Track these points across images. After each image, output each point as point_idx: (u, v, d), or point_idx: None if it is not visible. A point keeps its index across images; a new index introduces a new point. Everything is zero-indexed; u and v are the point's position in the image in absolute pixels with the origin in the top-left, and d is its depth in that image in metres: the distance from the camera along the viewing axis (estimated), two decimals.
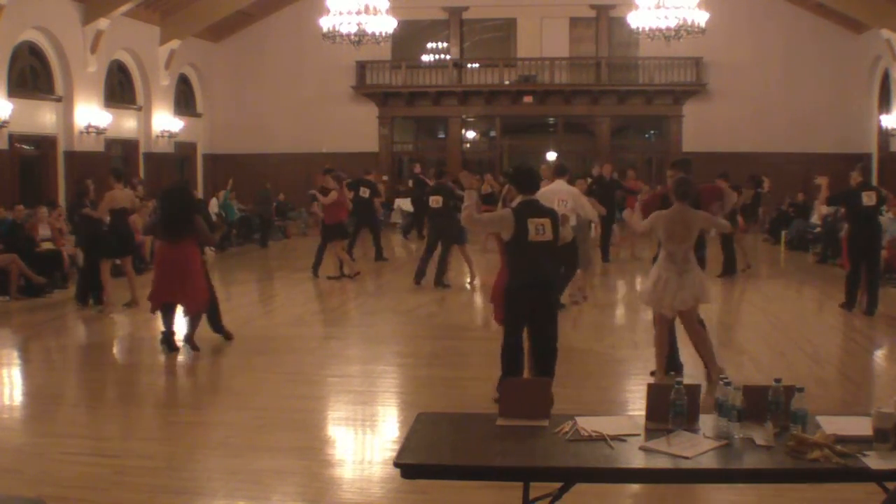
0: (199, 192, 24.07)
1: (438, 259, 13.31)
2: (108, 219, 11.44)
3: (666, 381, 7.10)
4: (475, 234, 14.17)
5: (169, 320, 8.99)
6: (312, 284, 13.77)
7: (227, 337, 9.36)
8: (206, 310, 9.14)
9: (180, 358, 9.00)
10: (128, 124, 21.69)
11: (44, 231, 13.97)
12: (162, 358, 8.71)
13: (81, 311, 11.52)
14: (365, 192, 16.77)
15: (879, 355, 9.20)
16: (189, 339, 8.91)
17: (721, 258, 14.19)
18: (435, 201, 13.52)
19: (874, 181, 22.22)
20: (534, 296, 6.49)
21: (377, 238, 16.95)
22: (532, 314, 6.56)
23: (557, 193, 11.00)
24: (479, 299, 12.34)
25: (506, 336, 6.63)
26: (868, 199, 10.88)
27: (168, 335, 8.94)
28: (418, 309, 11.53)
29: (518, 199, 6.53)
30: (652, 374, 7.62)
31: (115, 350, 9.71)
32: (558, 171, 11.38)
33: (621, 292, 13.30)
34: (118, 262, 11.77)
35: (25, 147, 18.14)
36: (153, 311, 9.13)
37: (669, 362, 7.56)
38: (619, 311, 11.55)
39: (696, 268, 7.17)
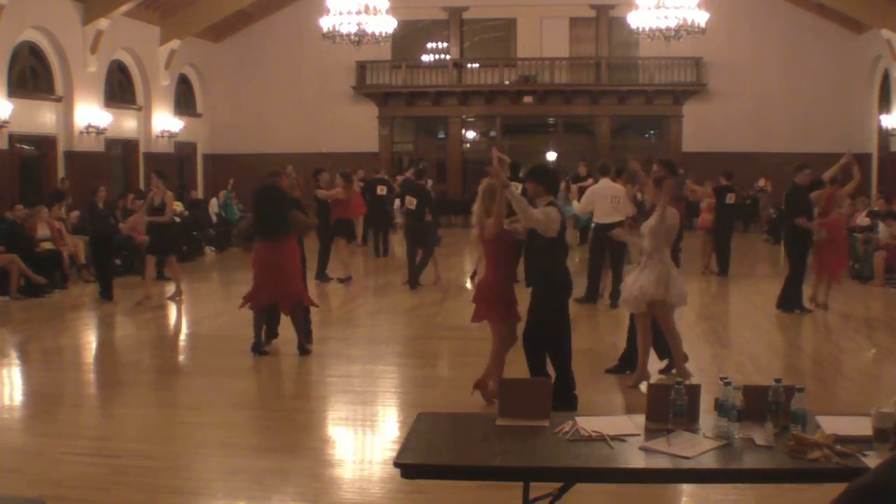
0: (199, 193, 24.12)
1: (419, 260, 13.04)
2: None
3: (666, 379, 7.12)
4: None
5: (260, 325, 8.66)
6: (312, 285, 13.71)
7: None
8: (307, 309, 8.77)
9: (180, 358, 9.01)
10: (128, 124, 21.69)
11: (44, 231, 13.96)
12: (162, 358, 8.70)
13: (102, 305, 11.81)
14: (382, 190, 16.69)
15: (879, 355, 9.21)
16: (300, 344, 8.58)
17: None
18: (409, 202, 13.06)
19: (874, 181, 22.29)
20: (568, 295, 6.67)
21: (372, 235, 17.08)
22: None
23: (610, 190, 11.22)
24: None
25: (563, 333, 6.50)
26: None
27: (258, 340, 8.65)
28: (418, 309, 11.53)
29: (546, 200, 6.50)
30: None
31: (115, 350, 9.70)
32: (603, 169, 11.58)
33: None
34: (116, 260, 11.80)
35: (25, 147, 18.12)
36: (255, 311, 8.70)
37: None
38: (619, 311, 11.53)
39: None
